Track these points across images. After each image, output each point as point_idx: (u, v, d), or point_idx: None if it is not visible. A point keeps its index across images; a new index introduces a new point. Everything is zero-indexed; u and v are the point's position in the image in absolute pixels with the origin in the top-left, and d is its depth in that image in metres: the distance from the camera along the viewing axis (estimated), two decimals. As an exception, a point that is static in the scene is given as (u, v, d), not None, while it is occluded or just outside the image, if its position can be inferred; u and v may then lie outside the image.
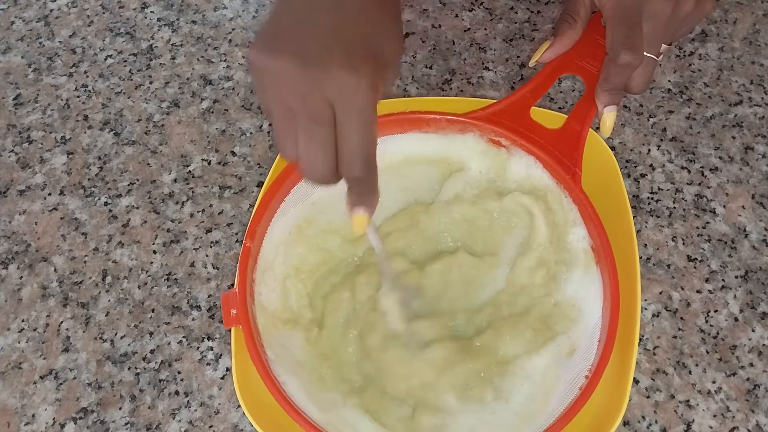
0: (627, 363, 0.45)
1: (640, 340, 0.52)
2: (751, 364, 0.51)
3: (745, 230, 0.57)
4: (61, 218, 0.57)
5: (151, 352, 0.51)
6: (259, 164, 0.59)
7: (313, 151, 0.37)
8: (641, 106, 0.63)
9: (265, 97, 0.38)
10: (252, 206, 0.57)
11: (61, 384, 0.50)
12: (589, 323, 0.46)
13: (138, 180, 0.59)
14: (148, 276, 0.54)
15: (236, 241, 0.56)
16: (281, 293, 0.48)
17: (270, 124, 0.38)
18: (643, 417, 0.49)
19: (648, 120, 0.62)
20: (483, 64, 0.65)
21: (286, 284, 0.49)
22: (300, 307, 0.49)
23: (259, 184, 0.58)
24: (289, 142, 0.38)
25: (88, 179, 0.59)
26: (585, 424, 0.43)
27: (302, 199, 0.50)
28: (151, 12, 0.69)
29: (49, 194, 0.58)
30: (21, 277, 0.54)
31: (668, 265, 0.55)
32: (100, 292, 0.54)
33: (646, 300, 0.53)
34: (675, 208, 0.58)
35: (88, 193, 0.58)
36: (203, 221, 0.57)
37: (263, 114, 0.39)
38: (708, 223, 0.57)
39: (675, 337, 0.52)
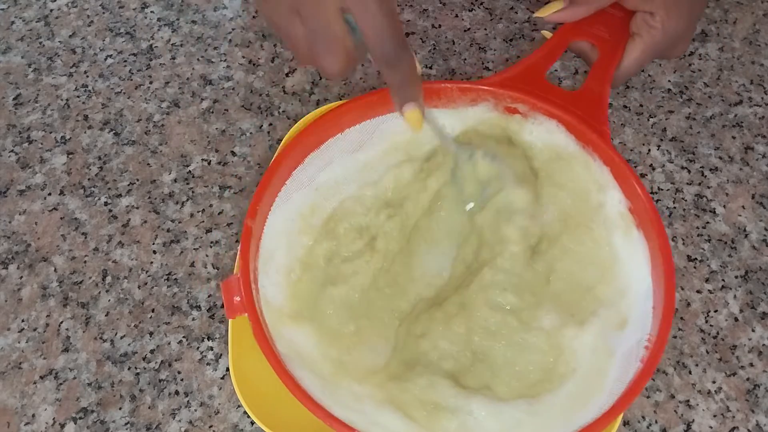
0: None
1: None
2: (751, 364, 0.51)
3: (745, 230, 0.57)
4: (61, 218, 0.57)
5: (151, 352, 0.51)
6: (259, 164, 0.59)
7: (324, 46, 0.38)
8: (641, 106, 0.63)
9: (267, 11, 0.40)
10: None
11: (61, 384, 0.50)
12: (638, 290, 0.43)
13: (138, 180, 0.59)
14: (148, 276, 0.54)
15: (236, 241, 0.56)
16: (286, 287, 0.46)
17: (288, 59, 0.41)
18: (643, 417, 0.49)
19: (648, 120, 0.62)
20: (483, 64, 0.65)
21: (291, 277, 0.46)
22: (308, 301, 0.46)
23: (259, 184, 0.58)
24: (303, 48, 0.39)
25: (88, 179, 0.59)
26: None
27: (305, 184, 0.48)
28: (151, 12, 0.69)
29: (49, 194, 0.58)
30: (21, 277, 0.54)
31: (668, 265, 0.55)
32: (100, 292, 0.54)
33: (646, 300, 0.53)
34: (675, 208, 0.58)
35: (88, 193, 0.58)
36: (203, 221, 0.57)
37: (274, 35, 0.43)
38: (708, 223, 0.57)
39: (675, 337, 0.52)
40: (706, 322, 0.53)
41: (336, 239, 0.48)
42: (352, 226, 0.48)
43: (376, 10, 0.37)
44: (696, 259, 0.55)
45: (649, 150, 0.60)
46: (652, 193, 0.58)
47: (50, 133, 0.61)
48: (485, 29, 0.67)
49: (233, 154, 0.60)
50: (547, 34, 0.51)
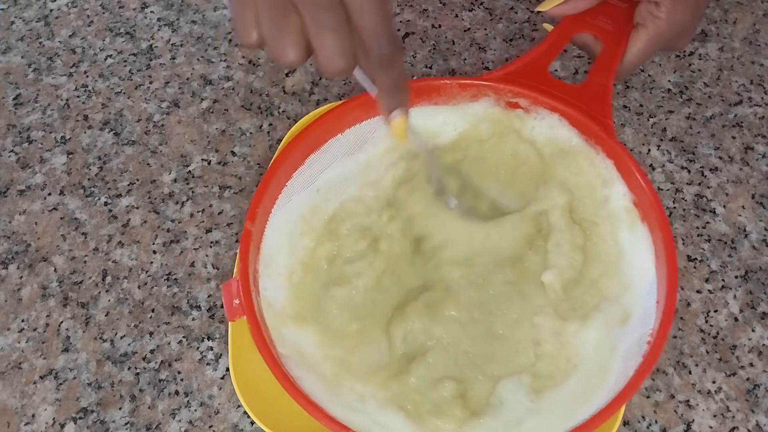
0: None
1: (640, 340, 0.52)
2: (751, 364, 0.51)
3: (745, 230, 0.57)
4: (61, 218, 0.57)
5: (151, 352, 0.51)
6: (259, 164, 0.59)
7: (329, 41, 0.35)
8: (641, 106, 0.63)
9: (262, 5, 0.35)
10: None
11: (61, 384, 0.50)
12: (642, 285, 0.43)
13: (138, 180, 0.59)
14: (148, 276, 0.54)
15: (236, 241, 0.56)
16: (288, 288, 0.45)
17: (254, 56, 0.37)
18: (643, 417, 0.49)
19: (648, 120, 0.62)
20: (483, 64, 0.65)
21: (293, 279, 0.46)
22: (310, 303, 0.45)
23: (259, 184, 0.58)
24: (302, 39, 0.36)
25: (88, 179, 0.59)
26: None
27: (306, 186, 0.47)
28: (151, 12, 0.69)
29: (49, 194, 0.58)
30: (21, 277, 0.54)
31: (668, 265, 0.55)
32: (100, 292, 0.54)
33: (646, 300, 0.53)
34: (675, 208, 0.58)
35: (88, 193, 0.58)
36: (203, 221, 0.57)
37: (236, 36, 0.37)
38: (708, 223, 0.57)
39: (675, 337, 0.52)
40: (706, 322, 0.53)
41: (338, 240, 0.47)
42: (354, 226, 0.48)
43: (373, 7, 0.35)
44: (696, 259, 0.55)
45: (649, 150, 0.60)
46: (652, 193, 0.58)
47: (50, 133, 0.61)
48: (485, 29, 0.67)
49: (233, 154, 0.60)
50: (549, 27, 0.50)
